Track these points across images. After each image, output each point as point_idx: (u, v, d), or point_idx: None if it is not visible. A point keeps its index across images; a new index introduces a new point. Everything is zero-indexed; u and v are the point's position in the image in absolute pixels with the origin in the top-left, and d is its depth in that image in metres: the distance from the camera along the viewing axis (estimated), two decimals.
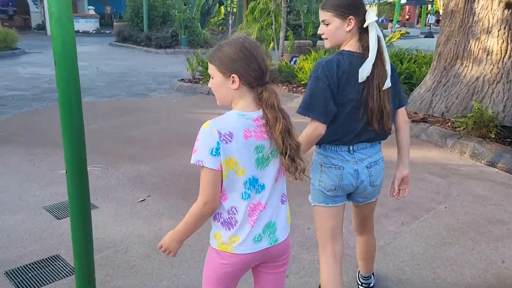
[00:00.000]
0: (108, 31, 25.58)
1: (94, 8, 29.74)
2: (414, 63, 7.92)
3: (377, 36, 1.81)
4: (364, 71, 1.79)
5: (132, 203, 3.60)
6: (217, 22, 20.09)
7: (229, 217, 1.45)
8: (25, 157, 4.67)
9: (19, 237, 3.07)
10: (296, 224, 3.26)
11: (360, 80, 1.81)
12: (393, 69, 1.91)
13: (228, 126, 1.39)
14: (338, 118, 1.87)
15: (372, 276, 2.51)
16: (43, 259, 2.78)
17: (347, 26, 1.84)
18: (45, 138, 5.41)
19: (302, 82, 8.02)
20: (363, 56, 1.82)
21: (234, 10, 17.55)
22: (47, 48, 18.00)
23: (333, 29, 1.87)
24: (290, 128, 1.43)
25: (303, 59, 8.36)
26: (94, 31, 26.84)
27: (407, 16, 44.51)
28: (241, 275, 1.55)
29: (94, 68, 12.17)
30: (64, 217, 3.34)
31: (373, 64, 1.80)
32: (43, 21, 26.41)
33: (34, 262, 2.76)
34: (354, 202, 2.11)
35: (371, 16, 1.80)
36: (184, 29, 17.35)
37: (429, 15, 37.05)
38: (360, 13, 1.83)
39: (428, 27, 32.97)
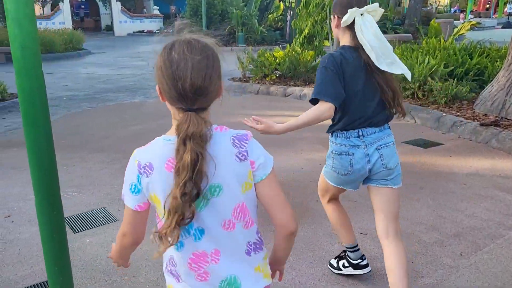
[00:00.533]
0: (170, 31, 26.05)
1: (158, 8, 30.60)
2: (486, 57, 7.04)
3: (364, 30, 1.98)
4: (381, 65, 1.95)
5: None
6: (276, 18, 19.70)
7: (172, 269, 1.22)
8: (60, 162, 4.53)
9: (30, 253, 2.89)
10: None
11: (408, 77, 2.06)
12: None
13: (149, 155, 1.13)
14: (350, 108, 2.00)
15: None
16: (44, 282, 2.57)
17: (335, 22, 2.08)
18: (85, 141, 5.34)
19: None
20: (363, 48, 1.97)
21: (293, 5, 17.05)
22: (113, 48, 18.62)
23: (331, 25, 2.16)
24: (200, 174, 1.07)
25: None
26: (158, 31, 27.52)
27: (487, 6, 41.33)
28: None
29: (150, 68, 12.30)
30: (79, 231, 3.14)
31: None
32: (111, 22, 27.47)
33: (36, 285, 2.55)
34: (373, 184, 2.12)
35: (347, 16, 1.97)
36: (241, 26, 17.14)
37: (508, 4, 34.06)
38: (343, 12, 1.99)
39: (507, 17, 30.28)
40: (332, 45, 8.77)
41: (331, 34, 8.81)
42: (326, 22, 8.86)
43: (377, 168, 2.03)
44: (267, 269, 1.27)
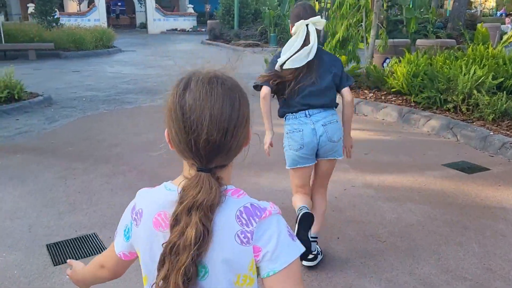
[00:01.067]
0: (203, 29, 25.88)
1: (193, 6, 30.46)
2: None
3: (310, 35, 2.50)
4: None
5: None
6: None
7: None
8: (60, 173, 4.23)
9: (11, 282, 2.52)
10: None
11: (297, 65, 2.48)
12: (333, 59, 2.65)
13: (146, 201, 0.93)
14: (297, 96, 2.50)
15: (318, 249, 2.69)
16: None
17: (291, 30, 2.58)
18: (93, 148, 4.99)
19: (393, 90, 6.78)
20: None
21: (328, 5, 16.41)
22: (143, 47, 18.53)
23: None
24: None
25: (395, 62, 7.09)
26: (191, 29, 27.40)
27: None
28: None
29: (177, 68, 11.98)
30: (60, 263, 2.74)
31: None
32: (145, 20, 27.54)
33: None
34: (320, 158, 2.60)
35: (294, 28, 2.50)
36: (274, 26, 16.65)
37: None
38: (293, 22, 2.52)
39: None
40: (367, 49, 8.15)
41: (367, 37, 8.19)
42: (361, 25, 8.24)
43: (323, 142, 2.49)
44: None
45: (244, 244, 0.83)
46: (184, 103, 0.85)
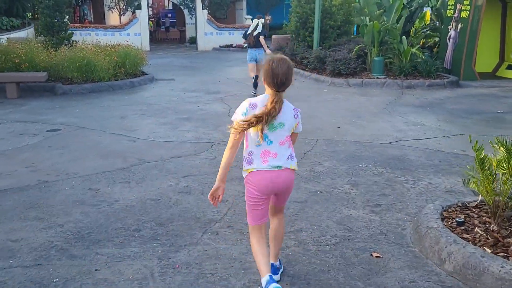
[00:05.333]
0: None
1: (252, 17, 25.39)
2: None
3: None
4: None
5: None
6: (421, 33, 13.11)
7: (249, 158, 2.53)
8: None
9: None
10: None
11: None
12: None
13: (256, 99, 2.52)
14: None
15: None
16: None
17: None
18: None
19: None
20: None
21: (464, 14, 10.58)
22: (187, 71, 13.42)
23: None
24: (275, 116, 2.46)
25: None
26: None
27: None
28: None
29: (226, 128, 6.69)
30: None
31: None
32: (196, 34, 22.73)
33: None
34: None
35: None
36: (378, 46, 11.00)
37: None
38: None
39: None
40: None
41: None
42: None
43: None
44: (295, 166, 2.55)
45: (295, 118, 2.55)
46: (272, 67, 2.40)
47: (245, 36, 9.34)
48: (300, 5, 13.52)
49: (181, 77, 12.11)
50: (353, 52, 11.04)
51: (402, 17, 11.21)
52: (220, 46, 22.35)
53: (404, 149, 5.59)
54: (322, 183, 4.49)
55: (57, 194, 4.21)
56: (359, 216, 3.75)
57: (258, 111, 2.39)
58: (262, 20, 9.32)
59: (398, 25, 11.09)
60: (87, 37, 20.74)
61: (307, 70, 12.28)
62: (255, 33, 9.07)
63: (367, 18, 11.40)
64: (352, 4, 12.53)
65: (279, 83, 2.38)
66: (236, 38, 21.98)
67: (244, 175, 2.54)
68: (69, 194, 4.20)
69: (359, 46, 11.18)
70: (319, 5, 12.48)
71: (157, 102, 8.61)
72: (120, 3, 23.23)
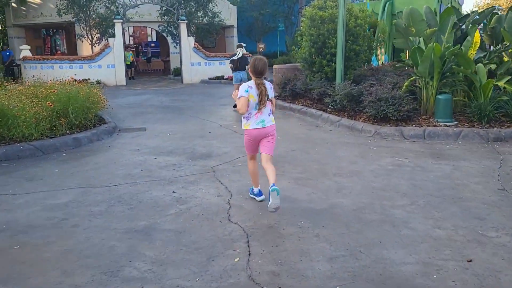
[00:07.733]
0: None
1: (245, 45, 22.21)
2: None
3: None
4: None
5: None
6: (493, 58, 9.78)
7: (247, 116, 4.21)
8: None
9: None
10: None
11: None
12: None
13: (250, 83, 4.16)
14: None
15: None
16: None
17: None
18: None
19: None
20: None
21: None
22: (166, 114, 9.92)
23: None
24: (264, 91, 4.14)
25: None
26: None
27: None
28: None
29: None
30: None
31: None
32: (181, 64, 19.36)
33: None
34: None
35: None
36: (439, 80, 7.64)
37: None
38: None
39: None
40: None
41: None
42: None
43: None
44: (273, 120, 4.28)
45: (270, 89, 4.26)
46: (255, 63, 4.14)
47: (232, 62, 10.74)
48: (314, 25, 10.19)
49: (156, 125, 8.58)
50: (403, 88, 7.64)
51: (473, 39, 7.87)
52: (209, 78, 18.96)
53: None
54: None
55: None
56: None
57: (254, 90, 4.11)
58: (244, 50, 11.11)
59: (463, 49, 7.77)
60: (48, 70, 17.34)
61: (328, 111, 8.86)
62: (236, 58, 10.72)
63: (419, 39, 8.07)
64: (393, 20, 9.22)
65: (259, 72, 4.11)
66: (228, 68, 18.54)
67: (243, 128, 4.25)
68: None
69: (411, 78, 7.78)
70: (343, 25, 9.16)
71: (103, 183, 5.01)
72: (92, 31, 19.81)
